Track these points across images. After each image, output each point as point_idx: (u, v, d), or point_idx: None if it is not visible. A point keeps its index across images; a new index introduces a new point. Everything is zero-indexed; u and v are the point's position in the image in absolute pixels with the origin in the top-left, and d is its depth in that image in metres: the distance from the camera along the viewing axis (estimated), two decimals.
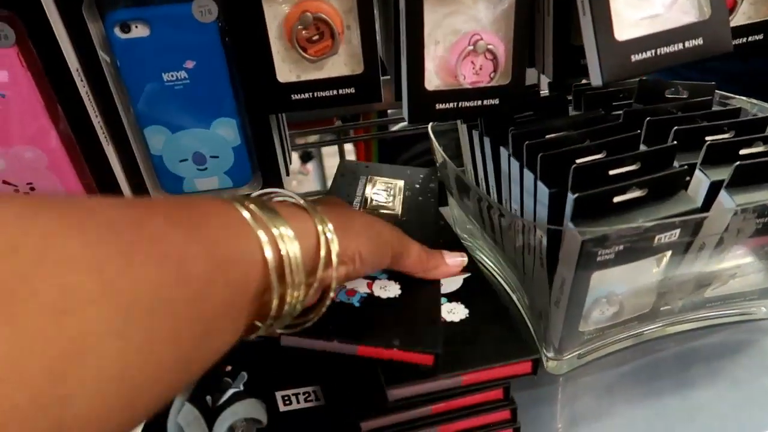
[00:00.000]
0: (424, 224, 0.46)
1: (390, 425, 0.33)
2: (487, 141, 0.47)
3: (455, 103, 0.39)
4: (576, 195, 0.35)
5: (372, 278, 0.37)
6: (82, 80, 0.39)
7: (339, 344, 0.31)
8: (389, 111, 0.80)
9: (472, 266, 0.40)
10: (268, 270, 0.25)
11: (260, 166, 0.44)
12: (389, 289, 0.36)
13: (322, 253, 0.28)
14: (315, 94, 0.39)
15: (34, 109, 0.39)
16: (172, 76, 0.40)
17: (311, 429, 0.37)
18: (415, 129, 0.72)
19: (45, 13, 0.35)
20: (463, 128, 0.52)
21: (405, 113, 0.40)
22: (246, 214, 0.25)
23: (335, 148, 0.76)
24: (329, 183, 0.56)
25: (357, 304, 0.34)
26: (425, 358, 0.31)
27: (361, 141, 0.90)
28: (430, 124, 0.53)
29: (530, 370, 0.33)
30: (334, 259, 0.28)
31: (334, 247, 0.28)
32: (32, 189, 0.42)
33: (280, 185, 0.46)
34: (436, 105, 0.39)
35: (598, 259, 0.36)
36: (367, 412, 0.32)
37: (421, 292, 0.37)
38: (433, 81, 0.39)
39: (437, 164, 0.53)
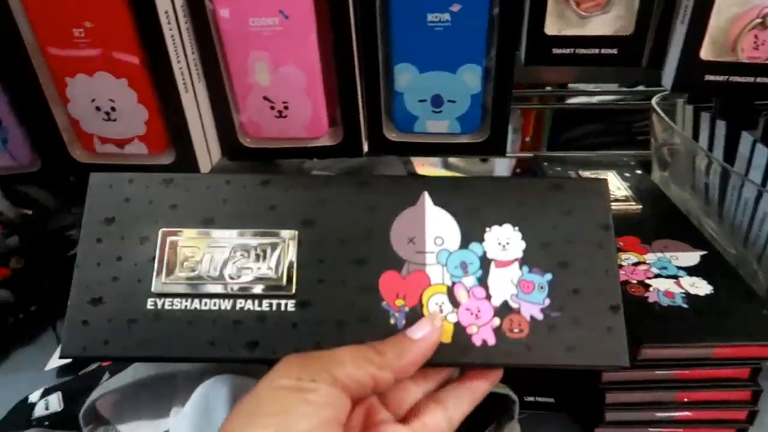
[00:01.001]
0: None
1: (630, 381, 0.33)
2: (721, 124, 0.46)
3: (726, 77, 0.38)
4: None
5: (675, 276, 0.38)
6: (354, 10, 0.41)
7: (695, 350, 0.32)
8: (569, 85, 0.79)
9: (707, 244, 0.40)
10: None
11: (493, 116, 0.45)
12: (699, 286, 0.36)
13: None
14: (576, 51, 0.39)
15: (308, 33, 0.42)
16: (436, 17, 0.41)
17: None
18: (596, 105, 0.71)
19: None
20: (687, 109, 0.51)
21: (668, 81, 0.39)
22: None
23: None
24: None
25: (685, 306, 0.35)
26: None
27: (537, 111, 0.89)
28: (654, 99, 0.51)
29: None
30: None
31: None
32: (286, 108, 0.45)
33: (506, 135, 0.46)
34: (706, 76, 0.38)
35: None
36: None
37: (732, 285, 0.37)
38: (705, 51, 0.38)
39: (654, 139, 0.52)
